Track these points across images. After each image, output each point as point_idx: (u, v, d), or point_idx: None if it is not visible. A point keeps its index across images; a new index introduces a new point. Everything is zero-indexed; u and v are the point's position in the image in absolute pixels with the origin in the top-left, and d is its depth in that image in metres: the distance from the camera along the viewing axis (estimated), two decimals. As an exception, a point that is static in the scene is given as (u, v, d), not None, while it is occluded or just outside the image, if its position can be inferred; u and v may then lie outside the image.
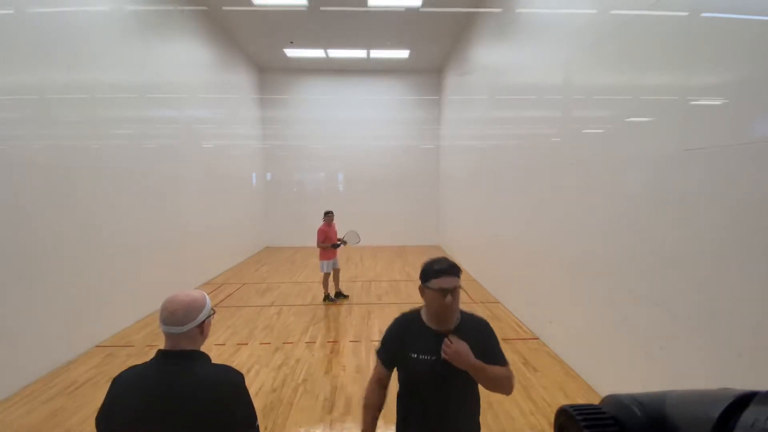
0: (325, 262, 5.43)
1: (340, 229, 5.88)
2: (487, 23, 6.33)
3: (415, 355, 1.38)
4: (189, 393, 1.10)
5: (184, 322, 1.16)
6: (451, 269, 1.37)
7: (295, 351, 4.01)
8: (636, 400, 0.46)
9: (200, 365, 1.17)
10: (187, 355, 1.17)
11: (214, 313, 1.29)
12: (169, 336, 1.18)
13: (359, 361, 3.77)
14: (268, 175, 10.86)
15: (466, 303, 5.59)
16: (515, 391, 3.15)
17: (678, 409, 0.43)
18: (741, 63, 1.93)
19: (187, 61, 6.46)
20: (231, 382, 1.17)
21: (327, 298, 5.60)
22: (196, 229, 6.49)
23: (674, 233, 2.33)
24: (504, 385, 1.41)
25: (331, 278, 5.64)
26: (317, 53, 9.30)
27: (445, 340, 1.31)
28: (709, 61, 2.12)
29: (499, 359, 1.42)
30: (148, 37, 5.26)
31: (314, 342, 4.21)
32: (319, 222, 5.63)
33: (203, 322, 1.21)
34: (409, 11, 7.06)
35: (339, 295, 5.72)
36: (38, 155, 3.49)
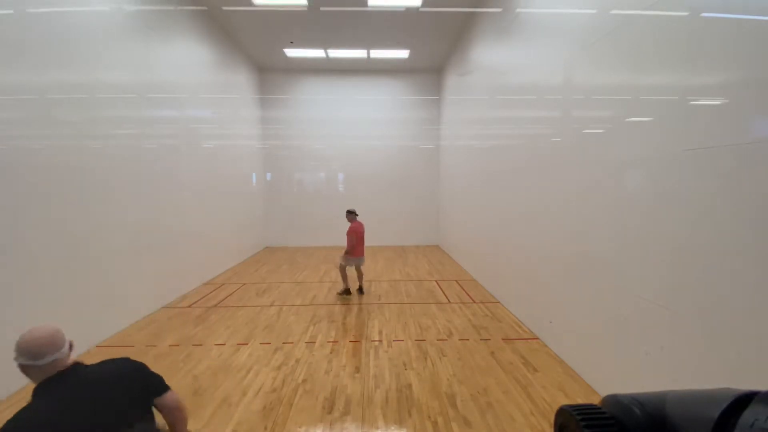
0: (354, 259, 5.78)
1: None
2: (487, 23, 6.33)
3: None
4: (106, 379, 1.32)
5: (61, 346, 1.31)
6: None
7: (295, 351, 4.00)
8: (636, 400, 0.46)
9: (90, 366, 1.36)
10: (75, 366, 1.32)
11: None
12: (50, 365, 1.28)
13: (359, 361, 3.77)
14: (268, 175, 10.86)
15: (467, 303, 5.60)
16: (515, 391, 3.17)
17: (678, 409, 0.43)
18: (741, 63, 1.93)
19: (187, 61, 6.47)
20: (123, 359, 1.45)
21: (347, 292, 5.85)
22: (196, 229, 6.49)
23: (674, 233, 2.33)
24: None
25: (353, 273, 6.19)
26: (317, 53, 9.30)
27: None
28: (709, 61, 2.12)
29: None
30: (148, 37, 5.26)
31: (314, 342, 4.21)
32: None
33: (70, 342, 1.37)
34: (409, 11, 7.06)
35: (361, 290, 6.06)
36: (38, 155, 3.49)
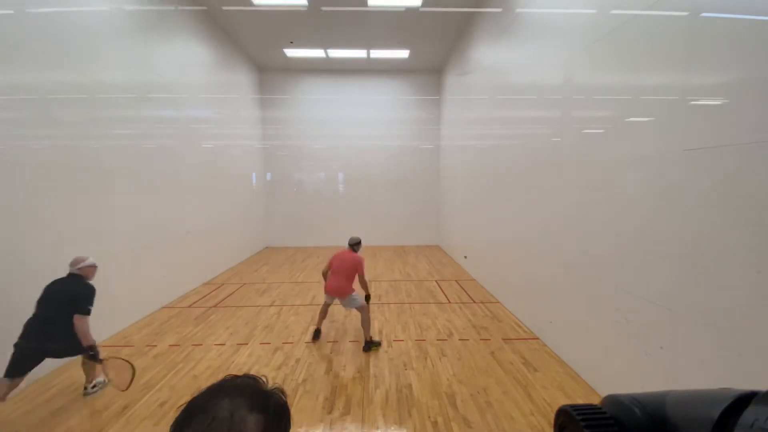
0: (326, 295, 4.28)
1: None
2: (487, 23, 6.33)
3: None
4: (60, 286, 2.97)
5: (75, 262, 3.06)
6: None
7: (295, 351, 4.00)
8: (636, 400, 0.46)
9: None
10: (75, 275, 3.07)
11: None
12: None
13: (359, 361, 3.77)
14: (268, 175, 10.86)
15: (467, 303, 5.60)
16: (515, 391, 3.17)
17: (678, 409, 0.43)
18: (741, 63, 1.93)
19: (187, 61, 6.46)
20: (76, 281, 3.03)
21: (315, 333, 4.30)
22: (196, 229, 6.48)
23: (674, 233, 2.33)
24: None
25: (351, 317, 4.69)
26: (317, 53, 9.30)
27: None
28: (709, 61, 2.12)
29: None
30: (148, 37, 5.26)
31: (314, 342, 4.21)
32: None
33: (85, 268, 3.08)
34: (409, 11, 7.06)
35: (367, 345, 4.06)
36: (38, 155, 3.49)
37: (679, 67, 2.32)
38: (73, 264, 3.06)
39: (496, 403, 3.01)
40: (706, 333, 2.11)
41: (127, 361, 2.82)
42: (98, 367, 2.98)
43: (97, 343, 2.97)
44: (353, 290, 4.10)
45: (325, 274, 4.28)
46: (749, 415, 0.35)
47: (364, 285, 4.27)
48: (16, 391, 2.83)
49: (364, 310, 4.05)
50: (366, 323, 4.03)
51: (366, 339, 4.04)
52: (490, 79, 6.17)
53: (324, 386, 3.29)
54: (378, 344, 4.08)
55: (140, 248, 4.93)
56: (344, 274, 4.11)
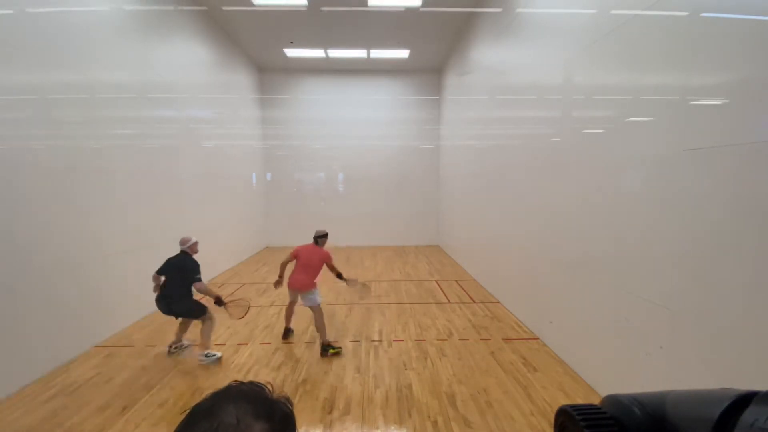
0: (290, 291, 4.21)
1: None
2: (487, 23, 6.33)
3: None
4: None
5: (184, 242, 3.84)
6: None
7: (295, 351, 4.00)
8: (636, 400, 0.46)
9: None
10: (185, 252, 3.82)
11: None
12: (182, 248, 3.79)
13: (359, 361, 3.77)
14: (268, 175, 10.86)
15: (467, 303, 5.60)
16: (515, 391, 3.17)
17: (678, 409, 0.43)
18: (741, 63, 1.93)
19: (187, 61, 6.46)
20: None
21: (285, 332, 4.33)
22: (196, 229, 6.46)
23: (674, 233, 2.33)
24: None
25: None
26: (317, 53, 9.30)
27: None
28: (709, 61, 2.12)
29: None
30: (148, 37, 5.26)
31: (314, 342, 4.21)
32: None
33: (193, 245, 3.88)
34: (409, 11, 7.06)
35: (324, 349, 3.92)
36: (38, 155, 3.49)
37: (679, 67, 2.32)
38: (182, 243, 3.82)
39: (496, 403, 3.01)
40: (706, 333, 2.11)
41: (245, 299, 3.88)
42: (185, 333, 3.99)
43: (222, 296, 3.77)
44: (316, 286, 4.05)
45: (284, 266, 4.21)
46: (749, 415, 0.35)
47: (339, 274, 4.23)
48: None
49: (318, 311, 3.95)
50: (321, 325, 3.92)
51: (322, 342, 3.89)
52: (490, 79, 6.17)
53: (324, 386, 3.29)
54: (338, 350, 3.91)
55: (140, 248, 4.93)
56: (311, 269, 4.06)
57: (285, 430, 0.54)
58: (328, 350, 3.88)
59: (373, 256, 9.30)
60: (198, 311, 3.78)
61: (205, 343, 3.80)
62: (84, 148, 4.06)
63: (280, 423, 0.53)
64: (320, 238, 4.28)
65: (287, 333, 4.33)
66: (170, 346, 3.92)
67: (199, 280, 3.68)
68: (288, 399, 0.58)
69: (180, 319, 3.93)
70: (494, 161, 5.97)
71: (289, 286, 4.10)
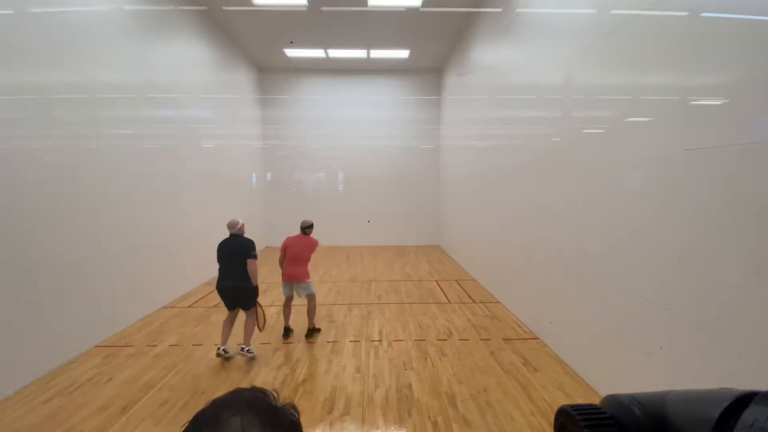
0: (283, 284, 4.37)
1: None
2: (487, 23, 6.33)
3: None
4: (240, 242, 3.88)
5: (233, 225, 3.98)
6: None
7: (295, 351, 4.01)
8: (636, 400, 0.46)
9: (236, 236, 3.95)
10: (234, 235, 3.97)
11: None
12: (231, 232, 3.97)
13: (359, 361, 3.77)
14: (268, 175, 10.86)
15: (467, 303, 5.60)
16: (515, 391, 3.17)
17: (678, 409, 0.43)
18: (741, 63, 1.93)
19: (187, 61, 6.46)
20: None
21: (285, 332, 4.38)
22: (196, 229, 6.48)
23: (674, 233, 2.33)
24: None
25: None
26: (317, 53, 9.30)
27: None
28: (709, 61, 2.12)
29: None
30: (148, 37, 5.26)
31: (314, 342, 4.21)
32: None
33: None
34: (409, 11, 7.06)
35: (309, 332, 4.33)
36: (38, 155, 3.49)
37: (679, 67, 2.32)
38: (233, 226, 3.96)
39: (496, 403, 3.01)
40: (706, 333, 2.11)
41: (260, 306, 3.96)
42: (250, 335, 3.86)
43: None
44: (309, 276, 4.33)
45: (281, 262, 4.36)
46: (749, 415, 0.35)
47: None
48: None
49: (313, 299, 4.32)
50: (313, 311, 4.31)
51: (310, 327, 4.31)
52: (490, 79, 6.17)
53: (324, 386, 3.29)
54: (318, 331, 4.41)
55: (140, 248, 4.93)
56: (302, 259, 4.28)
57: None
58: (314, 333, 4.32)
59: (373, 256, 9.30)
60: (255, 298, 3.86)
61: (249, 336, 3.81)
62: (84, 148, 4.06)
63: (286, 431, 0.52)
64: (308, 228, 4.50)
65: (287, 332, 4.35)
66: (223, 349, 3.72)
67: (256, 257, 3.87)
68: (293, 406, 0.57)
69: (227, 317, 3.90)
70: (494, 161, 5.97)
71: (283, 278, 4.31)
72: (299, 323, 4.64)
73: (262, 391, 0.54)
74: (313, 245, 4.41)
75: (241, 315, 3.91)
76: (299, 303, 4.55)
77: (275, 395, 0.55)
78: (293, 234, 4.60)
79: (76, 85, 3.96)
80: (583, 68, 3.39)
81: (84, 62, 4.07)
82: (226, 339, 3.81)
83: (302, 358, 3.83)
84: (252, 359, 3.76)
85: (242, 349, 3.75)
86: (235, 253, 3.80)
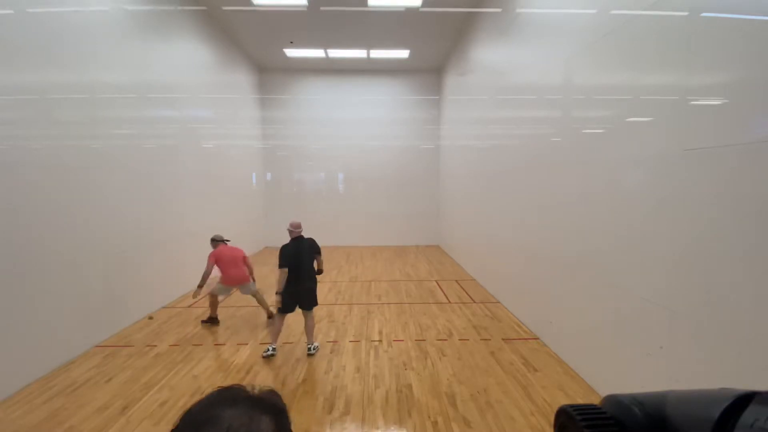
0: (223, 287, 4.75)
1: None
2: (487, 23, 6.33)
3: None
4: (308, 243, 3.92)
5: (299, 226, 3.97)
6: None
7: (295, 351, 4.01)
8: (636, 400, 0.46)
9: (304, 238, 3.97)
10: (300, 237, 3.94)
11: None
12: (296, 233, 3.97)
13: (359, 361, 3.77)
14: (268, 175, 10.86)
15: (467, 303, 5.60)
16: (515, 391, 3.17)
17: (678, 409, 0.43)
18: (741, 63, 1.93)
19: (187, 61, 6.46)
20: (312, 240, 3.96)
21: (211, 320, 4.79)
22: (196, 229, 6.48)
23: (674, 233, 2.33)
24: None
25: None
26: (317, 53, 9.30)
27: None
28: (709, 61, 2.12)
29: None
30: (148, 37, 5.26)
31: (208, 326, 4.21)
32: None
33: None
34: (409, 11, 7.06)
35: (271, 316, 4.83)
36: (38, 155, 3.49)
37: (679, 67, 2.32)
38: (297, 227, 4.02)
39: (496, 403, 3.01)
40: (706, 333, 2.11)
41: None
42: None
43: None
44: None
45: (207, 275, 4.56)
46: (749, 415, 0.35)
47: (252, 270, 4.91)
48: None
49: (259, 293, 4.91)
50: (263, 301, 4.91)
51: (268, 315, 4.88)
52: (490, 79, 6.17)
53: (324, 386, 3.29)
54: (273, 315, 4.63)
55: (140, 248, 4.93)
56: (238, 263, 4.74)
57: (286, 419, 0.58)
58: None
59: (373, 256, 9.30)
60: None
61: (312, 333, 3.98)
62: (84, 148, 4.06)
63: (281, 414, 0.58)
64: (226, 240, 5.04)
65: (214, 320, 4.76)
66: (273, 348, 3.84)
67: (321, 252, 4.04)
68: (273, 390, 0.62)
69: (270, 318, 4.09)
70: (494, 161, 5.97)
71: (225, 282, 4.74)
72: (298, 325, 4.64)
73: (239, 386, 0.59)
74: (242, 252, 4.89)
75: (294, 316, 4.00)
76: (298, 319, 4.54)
77: (251, 387, 0.60)
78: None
79: (76, 85, 3.96)
80: (583, 68, 3.39)
81: (84, 62, 4.07)
82: (277, 338, 3.90)
83: (302, 358, 3.83)
84: (313, 355, 3.89)
85: (310, 348, 3.91)
86: (306, 253, 3.88)
